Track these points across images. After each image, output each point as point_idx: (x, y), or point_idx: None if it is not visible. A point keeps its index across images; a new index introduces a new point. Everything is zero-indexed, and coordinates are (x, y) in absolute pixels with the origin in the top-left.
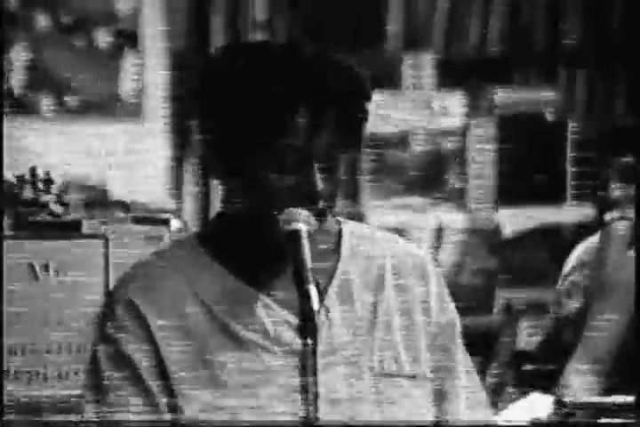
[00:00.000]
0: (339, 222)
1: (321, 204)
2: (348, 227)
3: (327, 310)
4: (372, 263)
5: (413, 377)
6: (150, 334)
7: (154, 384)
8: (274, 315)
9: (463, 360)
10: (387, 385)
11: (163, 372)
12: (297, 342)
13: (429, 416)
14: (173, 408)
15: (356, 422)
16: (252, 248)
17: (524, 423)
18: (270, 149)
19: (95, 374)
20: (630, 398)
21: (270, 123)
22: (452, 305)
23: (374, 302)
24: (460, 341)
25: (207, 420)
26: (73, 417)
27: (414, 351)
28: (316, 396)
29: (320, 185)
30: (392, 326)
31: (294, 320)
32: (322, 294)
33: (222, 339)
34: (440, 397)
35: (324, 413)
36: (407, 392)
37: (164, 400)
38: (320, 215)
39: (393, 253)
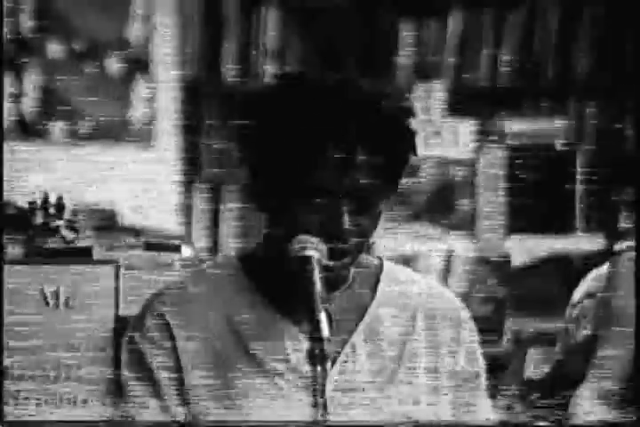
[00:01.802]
0: (380, 261)
1: (350, 241)
2: (388, 266)
3: (354, 346)
4: (406, 305)
5: (432, 421)
6: (175, 348)
7: (172, 398)
8: (299, 347)
9: (485, 413)
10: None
11: (183, 388)
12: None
13: None
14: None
15: (360, 423)
16: (283, 277)
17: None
18: (305, 182)
19: (119, 381)
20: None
21: (303, 158)
22: (480, 356)
23: (402, 344)
24: (484, 394)
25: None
26: None
27: (436, 397)
28: (325, 420)
29: (346, 225)
30: (416, 370)
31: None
32: (351, 330)
33: (244, 363)
34: None
35: None
36: None
37: (180, 410)
38: (346, 253)
39: (429, 301)
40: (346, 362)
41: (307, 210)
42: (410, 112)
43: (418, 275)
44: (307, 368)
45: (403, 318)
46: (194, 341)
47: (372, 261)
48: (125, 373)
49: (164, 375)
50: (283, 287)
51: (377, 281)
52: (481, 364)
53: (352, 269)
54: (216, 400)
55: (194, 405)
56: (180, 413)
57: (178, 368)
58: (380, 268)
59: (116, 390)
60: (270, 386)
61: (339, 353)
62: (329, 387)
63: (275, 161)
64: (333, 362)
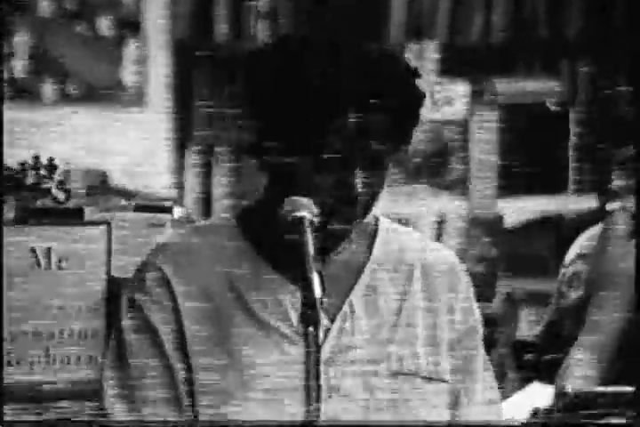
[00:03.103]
0: (376, 219)
1: (358, 207)
2: (383, 224)
3: (351, 306)
4: (402, 263)
5: (430, 378)
6: (176, 304)
7: (173, 353)
8: (298, 304)
9: (483, 368)
10: (402, 384)
11: (183, 342)
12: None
13: (442, 418)
14: (189, 379)
15: (357, 422)
16: (279, 236)
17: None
18: (314, 144)
19: (118, 339)
20: (630, 388)
21: (313, 122)
22: (477, 311)
23: (400, 301)
24: (481, 347)
25: (208, 420)
26: (74, 404)
27: (434, 353)
28: (319, 388)
29: (359, 189)
30: (414, 325)
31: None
32: (349, 289)
33: (244, 319)
34: (455, 401)
35: (335, 407)
36: (422, 393)
37: (182, 369)
38: (355, 216)
39: (425, 256)
40: (344, 321)
41: (317, 173)
42: (416, 72)
43: (414, 232)
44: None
45: (400, 274)
46: (194, 296)
47: (368, 219)
48: (126, 330)
49: (165, 331)
50: (278, 246)
51: (373, 239)
52: (477, 318)
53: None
54: (215, 356)
55: (194, 364)
56: (181, 375)
57: (179, 323)
58: (376, 226)
59: (116, 353)
60: (269, 341)
61: (338, 312)
62: (327, 347)
63: (284, 121)
64: (332, 322)
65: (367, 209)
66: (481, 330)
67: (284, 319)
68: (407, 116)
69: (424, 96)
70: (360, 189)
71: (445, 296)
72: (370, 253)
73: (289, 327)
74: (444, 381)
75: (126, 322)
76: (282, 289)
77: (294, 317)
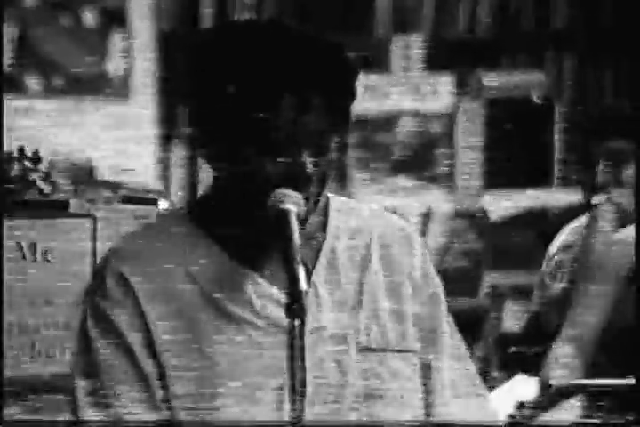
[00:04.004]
0: (326, 198)
1: (311, 187)
2: (335, 203)
3: (315, 287)
4: (358, 239)
5: (400, 351)
6: (139, 305)
7: (143, 356)
8: (262, 292)
9: (448, 331)
10: (373, 360)
11: (151, 344)
12: (283, 320)
13: (417, 392)
14: (162, 378)
15: (349, 422)
16: (242, 226)
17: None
18: (255, 129)
19: (86, 348)
20: (614, 381)
21: (254, 103)
22: (436, 277)
23: (361, 278)
24: (445, 312)
25: (205, 421)
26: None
27: (401, 325)
28: (304, 376)
29: (310, 168)
30: (378, 300)
31: (282, 297)
32: (309, 272)
33: (210, 313)
34: (426, 370)
35: (311, 392)
36: (394, 367)
37: (154, 371)
38: (309, 198)
39: (379, 228)
40: (310, 303)
41: (268, 158)
42: (340, 48)
43: (364, 204)
44: (274, 316)
45: (357, 250)
46: (156, 295)
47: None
48: (93, 337)
49: (131, 333)
50: (238, 236)
51: (326, 217)
52: (438, 284)
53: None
54: (186, 354)
55: (166, 364)
56: (151, 372)
57: (144, 324)
58: (327, 203)
59: (85, 360)
60: (238, 333)
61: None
62: (308, 339)
63: (221, 109)
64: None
65: (321, 189)
66: (442, 296)
67: (249, 308)
68: (341, 93)
69: (356, 72)
70: (309, 170)
71: (404, 266)
72: (324, 231)
73: (255, 316)
74: (412, 351)
75: (92, 328)
76: (243, 278)
77: (259, 304)
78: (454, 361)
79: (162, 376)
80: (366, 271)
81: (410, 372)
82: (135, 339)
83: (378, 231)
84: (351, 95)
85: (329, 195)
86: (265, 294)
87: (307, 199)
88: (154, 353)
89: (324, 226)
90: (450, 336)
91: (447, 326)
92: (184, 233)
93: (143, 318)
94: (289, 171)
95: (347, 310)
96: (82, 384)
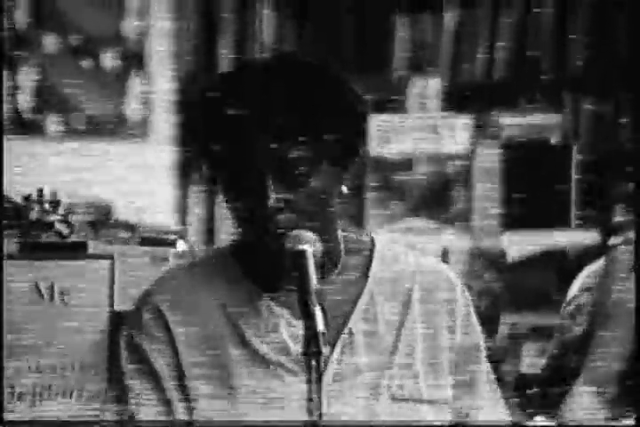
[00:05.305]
0: (372, 241)
1: (287, 222)
2: (380, 246)
3: (351, 332)
4: (400, 285)
5: (432, 402)
6: (173, 341)
7: (171, 388)
8: (295, 333)
9: (487, 384)
10: (404, 410)
11: (182, 377)
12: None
13: None
14: (189, 412)
15: (357, 423)
16: (270, 266)
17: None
18: (235, 168)
19: (118, 380)
20: (630, 422)
21: (235, 144)
22: (477, 327)
23: (399, 325)
24: (485, 364)
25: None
26: None
27: (436, 376)
28: (320, 417)
29: (273, 203)
30: (414, 349)
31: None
32: (347, 315)
33: (243, 354)
34: (460, 421)
35: None
36: (425, 417)
37: (182, 405)
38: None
39: (422, 275)
40: (344, 349)
41: (241, 198)
42: (345, 87)
43: (411, 252)
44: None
45: (398, 298)
46: (191, 333)
47: (362, 242)
48: (126, 370)
49: (164, 370)
50: (273, 276)
51: (370, 261)
52: (479, 335)
53: (342, 255)
54: (216, 394)
55: (194, 399)
56: (180, 408)
57: (177, 362)
58: (372, 249)
59: (117, 388)
60: (269, 375)
61: (337, 339)
62: (328, 376)
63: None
64: (332, 348)
65: (323, 235)
66: (483, 347)
67: (282, 350)
68: (326, 126)
69: (359, 116)
70: (273, 206)
71: (445, 316)
72: (366, 276)
73: (287, 358)
74: (444, 402)
75: (125, 360)
76: (279, 319)
77: (292, 346)
78: (490, 409)
79: (189, 411)
80: (405, 319)
81: (441, 423)
82: (166, 373)
83: (420, 278)
84: (349, 139)
85: (375, 239)
86: (298, 335)
87: (323, 239)
88: (184, 388)
89: (366, 271)
90: (488, 386)
91: (486, 375)
92: (224, 271)
93: (176, 353)
94: (256, 207)
95: (382, 357)
96: (110, 408)
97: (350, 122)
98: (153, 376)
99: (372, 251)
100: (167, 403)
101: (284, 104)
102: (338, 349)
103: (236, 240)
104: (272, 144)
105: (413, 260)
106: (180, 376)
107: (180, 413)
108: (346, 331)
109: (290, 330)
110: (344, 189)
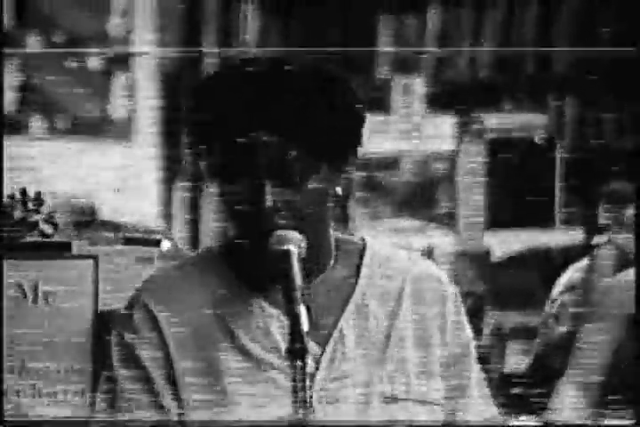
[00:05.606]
0: (363, 242)
1: (282, 222)
2: (370, 246)
3: (342, 332)
4: (391, 285)
5: (423, 402)
6: (164, 341)
7: (164, 390)
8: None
9: (478, 385)
10: (395, 409)
11: (172, 377)
12: (309, 363)
13: None
14: (180, 413)
15: (355, 423)
16: (260, 265)
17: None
18: (228, 161)
19: (109, 379)
20: (621, 422)
21: (225, 141)
22: (468, 329)
23: (390, 326)
24: (475, 364)
25: (208, 421)
26: None
27: (427, 376)
28: (307, 418)
29: (268, 203)
30: (405, 350)
31: (308, 340)
32: (338, 315)
33: (234, 354)
34: (450, 420)
35: None
36: (416, 417)
37: (174, 405)
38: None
39: (412, 275)
40: (335, 348)
41: (236, 195)
42: (342, 84)
43: (402, 251)
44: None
45: (389, 298)
46: (182, 332)
47: (354, 242)
48: (117, 368)
49: (155, 369)
50: (263, 276)
51: (361, 260)
52: (469, 335)
53: (333, 255)
54: (206, 392)
55: (185, 397)
56: (172, 407)
57: (168, 361)
58: (363, 249)
59: (107, 389)
60: (259, 375)
61: (328, 340)
62: (319, 375)
63: (206, 142)
64: (323, 347)
65: (315, 227)
66: (473, 348)
67: (273, 350)
68: (329, 130)
69: (353, 115)
70: (269, 202)
71: (436, 316)
72: (357, 275)
73: (278, 357)
74: (436, 404)
75: (116, 360)
76: (270, 319)
77: (283, 346)
78: (481, 409)
79: (180, 412)
80: (396, 320)
81: (432, 422)
82: (156, 372)
83: (411, 280)
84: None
85: (367, 239)
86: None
87: (308, 239)
88: (175, 388)
89: (357, 271)
90: (478, 387)
91: (475, 377)
92: (214, 270)
93: (167, 353)
94: (250, 205)
95: (373, 357)
96: (102, 408)
97: (349, 123)
98: (144, 376)
99: (363, 251)
100: (158, 403)
101: (281, 105)
102: (329, 348)
103: (226, 239)
104: (269, 145)
105: (404, 260)
106: (171, 376)
107: (172, 412)
108: (337, 330)
109: (281, 330)
110: (338, 190)
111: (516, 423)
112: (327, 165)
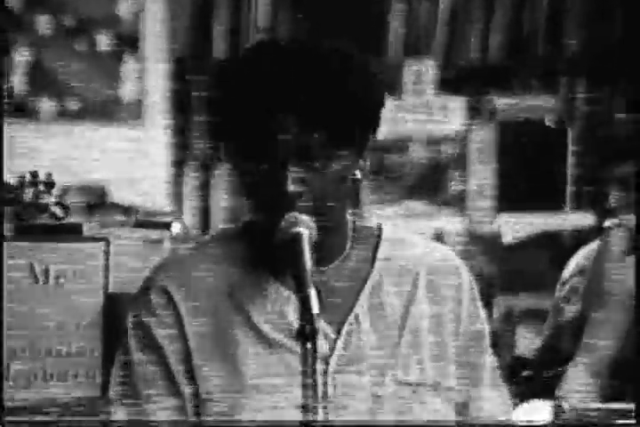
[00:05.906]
0: (379, 227)
1: (304, 206)
2: (387, 232)
3: (357, 317)
4: (406, 271)
5: (437, 387)
6: (181, 322)
7: (178, 370)
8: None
9: (490, 372)
10: (408, 394)
11: (189, 359)
12: (321, 346)
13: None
14: (196, 395)
15: (357, 423)
16: (279, 250)
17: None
18: (251, 148)
19: (126, 361)
20: (630, 405)
21: (251, 122)
22: (482, 314)
23: (405, 311)
24: (488, 351)
25: (209, 421)
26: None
27: (441, 361)
28: (316, 400)
29: (291, 186)
30: (420, 335)
31: (322, 322)
32: (353, 301)
33: (249, 336)
34: (463, 407)
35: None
36: (428, 402)
37: (188, 386)
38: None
39: (428, 261)
40: (350, 333)
41: (257, 177)
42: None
43: (418, 238)
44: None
45: (404, 284)
46: (198, 313)
47: (370, 228)
48: (134, 351)
49: (171, 349)
50: (278, 259)
51: (376, 247)
52: (483, 322)
53: (349, 240)
54: (222, 375)
55: (200, 380)
56: (187, 389)
57: (185, 343)
58: (379, 234)
59: (122, 372)
60: (275, 357)
61: (342, 325)
62: (334, 360)
63: (231, 127)
64: (338, 333)
65: (328, 215)
66: (487, 334)
67: (288, 332)
68: (338, 112)
69: (374, 100)
70: (291, 190)
71: (450, 302)
72: (373, 261)
73: (293, 341)
74: (450, 389)
75: (133, 342)
76: (285, 301)
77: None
78: (493, 394)
79: (195, 392)
80: (411, 305)
81: (445, 408)
82: (173, 354)
83: (427, 265)
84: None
85: (382, 225)
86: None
87: (326, 222)
88: (190, 370)
89: (373, 256)
90: (491, 374)
91: (489, 362)
92: (231, 253)
93: (183, 334)
94: (270, 189)
95: (387, 342)
96: (119, 392)
97: (371, 105)
98: (162, 360)
99: (379, 237)
100: (175, 385)
101: (304, 89)
102: (344, 332)
103: (244, 222)
104: (295, 126)
105: (421, 246)
106: (188, 357)
107: (188, 395)
108: (352, 316)
109: (296, 312)
110: (358, 173)
111: (525, 420)
112: (349, 148)
